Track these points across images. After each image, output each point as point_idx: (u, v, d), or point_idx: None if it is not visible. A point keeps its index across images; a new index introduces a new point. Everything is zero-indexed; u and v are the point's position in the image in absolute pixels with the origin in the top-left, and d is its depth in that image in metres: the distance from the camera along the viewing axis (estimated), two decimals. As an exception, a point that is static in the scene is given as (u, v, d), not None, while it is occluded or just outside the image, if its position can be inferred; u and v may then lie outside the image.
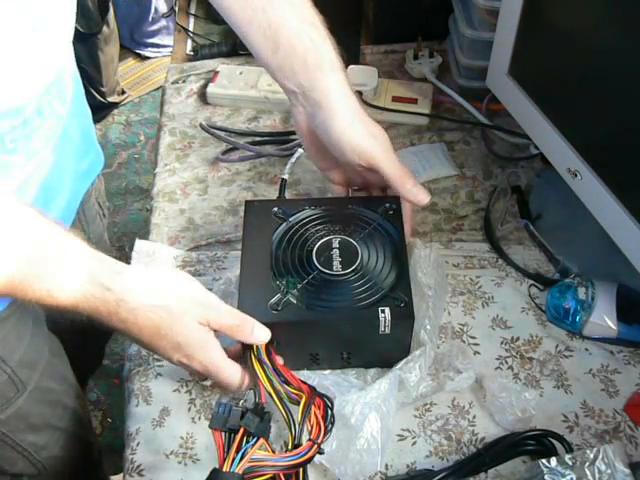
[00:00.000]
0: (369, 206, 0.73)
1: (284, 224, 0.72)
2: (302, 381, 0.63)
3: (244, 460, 0.55)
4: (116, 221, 2.03)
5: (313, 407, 0.60)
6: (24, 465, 0.86)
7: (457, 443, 0.68)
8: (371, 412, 0.64)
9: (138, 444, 0.70)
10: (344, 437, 0.63)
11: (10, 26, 0.53)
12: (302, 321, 0.66)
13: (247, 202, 0.75)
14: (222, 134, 0.97)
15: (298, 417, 0.60)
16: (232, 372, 0.64)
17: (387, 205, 0.73)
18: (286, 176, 0.85)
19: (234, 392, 0.66)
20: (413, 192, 0.70)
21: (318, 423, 0.60)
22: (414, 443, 0.68)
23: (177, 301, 0.60)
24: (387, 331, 0.65)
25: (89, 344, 1.09)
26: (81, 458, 0.96)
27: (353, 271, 0.68)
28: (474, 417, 0.70)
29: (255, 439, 0.56)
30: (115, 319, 0.58)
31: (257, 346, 0.64)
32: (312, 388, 0.62)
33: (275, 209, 0.73)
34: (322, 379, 0.67)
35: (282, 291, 0.66)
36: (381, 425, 0.64)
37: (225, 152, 0.96)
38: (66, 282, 0.56)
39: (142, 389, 0.73)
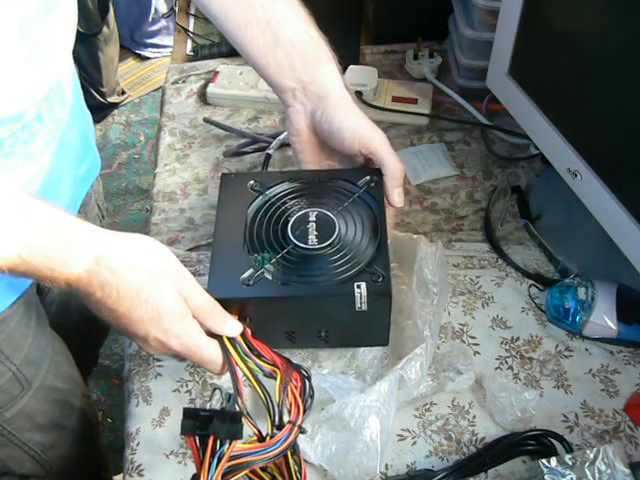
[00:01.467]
0: (350, 179, 0.71)
1: (260, 197, 0.70)
2: (276, 353, 0.61)
3: (221, 463, 0.53)
4: (116, 221, 2.03)
5: (290, 383, 0.58)
6: (31, 465, 0.86)
7: (457, 443, 0.68)
8: (371, 415, 0.63)
9: (138, 444, 0.70)
10: (344, 440, 0.63)
11: (9, 35, 0.54)
12: (275, 297, 0.63)
13: (223, 175, 0.73)
14: (224, 127, 0.97)
15: (276, 397, 0.57)
16: (213, 350, 0.60)
17: (368, 178, 0.71)
18: (271, 151, 0.84)
19: (217, 373, 0.62)
20: (396, 195, 0.70)
21: (296, 402, 0.58)
22: (414, 443, 0.68)
23: (159, 266, 0.58)
24: (364, 308, 0.62)
25: (87, 344, 1.10)
26: (88, 458, 0.96)
27: (329, 245, 0.65)
28: (474, 417, 0.70)
29: (229, 442, 0.54)
30: (95, 283, 0.54)
31: None
32: (286, 360, 0.60)
33: (252, 182, 0.71)
34: (321, 381, 0.66)
35: (255, 266, 0.64)
36: (380, 428, 0.63)
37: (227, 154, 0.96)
38: (72, 259, 0.53)
39: (142, 389, 0.73)
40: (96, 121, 2.32)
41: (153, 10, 2.44)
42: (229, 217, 0.69)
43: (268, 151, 0.81)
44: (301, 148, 0.74)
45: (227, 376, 0.73)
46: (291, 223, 0.67)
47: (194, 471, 0.67)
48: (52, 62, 0.61)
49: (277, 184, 0.71)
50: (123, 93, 2.42)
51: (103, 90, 2.29)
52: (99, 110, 2.32)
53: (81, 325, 0.97)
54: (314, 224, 0.67)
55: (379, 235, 0.66)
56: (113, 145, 2.29)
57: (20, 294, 0.72)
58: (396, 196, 0.70)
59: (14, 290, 0.71)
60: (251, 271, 0.64)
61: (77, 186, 0.81)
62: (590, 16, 0.68)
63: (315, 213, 0.68)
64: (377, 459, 0.63)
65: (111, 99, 2.36)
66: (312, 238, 0.66)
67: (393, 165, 0.69)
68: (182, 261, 0.82)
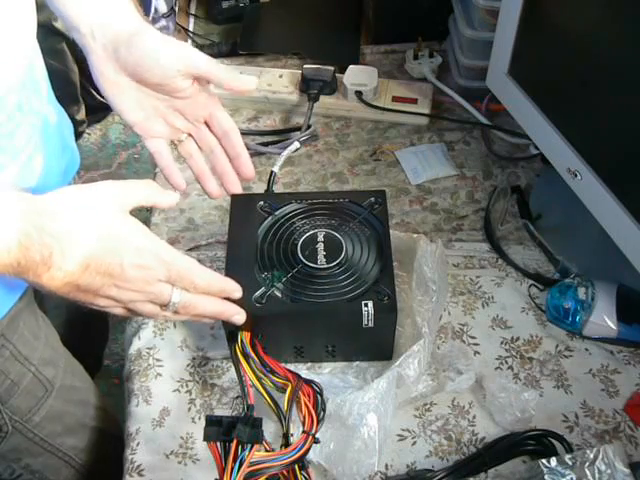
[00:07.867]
0: (355, 200, 0.74)
1: (270, 218, 0.73)
2: (287, 370, 0.63)
3: (242, 468, 0.55)
4: (116, 221, 2.02)
5: (302, 397, 0.61)
6: (68, 472, 0.85)
7: (457, 443, 0.68)
8: (369, 412, 0.63)
9: (138, 444, 0.70)
10: (342, 437, 0.63)
11: None
12: (286, 314, 0.66)
13: (233, 196, 0.75)
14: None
15: (284, 405, 0.60)
16: (203, 271, 0.58)
17: (372, 199, 0.73)
18: (276, 169, 0.85)
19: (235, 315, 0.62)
20: (242, 80, 0.66)
21: (310, 413, 0.60)
22: (414, 443, 0.68)
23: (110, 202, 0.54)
24: (371, 324, 0.65)
25: (86, 347, 1.09)
26: (117, 456, 0.96)
27: (337, 265, 0.68)
28: (474, 417, 0.70)
29: (250, 446, 0.56)
30: (46, 242, 0.48)
31: (242, 340, 0.64)
32: (298, 375, 0.62)
33: (261, 203, 0.74)
34: (322, 380, 0.66)
35: (267, 284, 0.67)
36: (379, 425, 0.64)
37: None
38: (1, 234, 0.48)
39: (142, 389, 0.73)
40: (96, 121, 2.31)
41: (153, 10, 2.43)
42: (240, 237, 0.71)
43: (273, 169, 0.82)
44: (116, 94, 0.67)
45: (226, 376, 0.74)
46: (300, 243, 0.70)
47: (194, 472, 0.67)
48: (19, 43, 0.60)
49: (285, 205, 0.74)
50: (123, 93, 2.42)
51: (103, 90, 2.29)
52: (99, 110, 2.31)
53: (78, 327, 0.97)
54: (322, 244, 0.70)
55: (384, 255, 0.69)
56: (113, 145, 2.29)
57: (23, 291, 0.71)
58: (248, 81, 0.66)
59: (17, 288, 0.71)
60: (263, 289, 0.66)
61: (60, 182, 0.79)
62: (590, 16, 0.68)
63: (323, 234, 0.71)
64: (375, 456, 0.63)
65: (111, 99, 2.35)
66: (321, 258, 0.69)
67: (222, 70, 0.66)
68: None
